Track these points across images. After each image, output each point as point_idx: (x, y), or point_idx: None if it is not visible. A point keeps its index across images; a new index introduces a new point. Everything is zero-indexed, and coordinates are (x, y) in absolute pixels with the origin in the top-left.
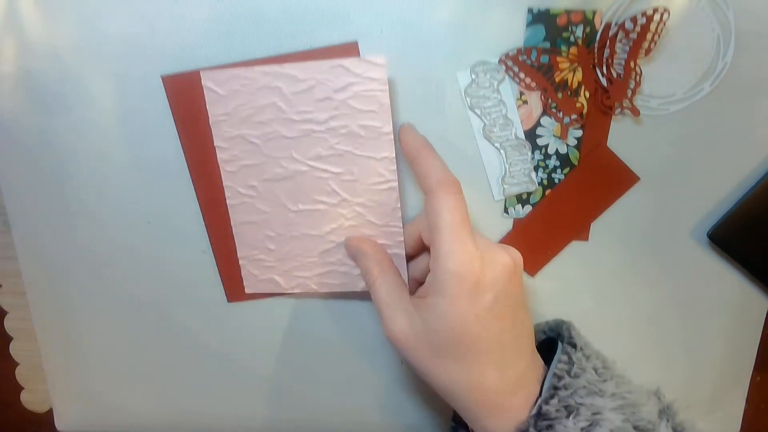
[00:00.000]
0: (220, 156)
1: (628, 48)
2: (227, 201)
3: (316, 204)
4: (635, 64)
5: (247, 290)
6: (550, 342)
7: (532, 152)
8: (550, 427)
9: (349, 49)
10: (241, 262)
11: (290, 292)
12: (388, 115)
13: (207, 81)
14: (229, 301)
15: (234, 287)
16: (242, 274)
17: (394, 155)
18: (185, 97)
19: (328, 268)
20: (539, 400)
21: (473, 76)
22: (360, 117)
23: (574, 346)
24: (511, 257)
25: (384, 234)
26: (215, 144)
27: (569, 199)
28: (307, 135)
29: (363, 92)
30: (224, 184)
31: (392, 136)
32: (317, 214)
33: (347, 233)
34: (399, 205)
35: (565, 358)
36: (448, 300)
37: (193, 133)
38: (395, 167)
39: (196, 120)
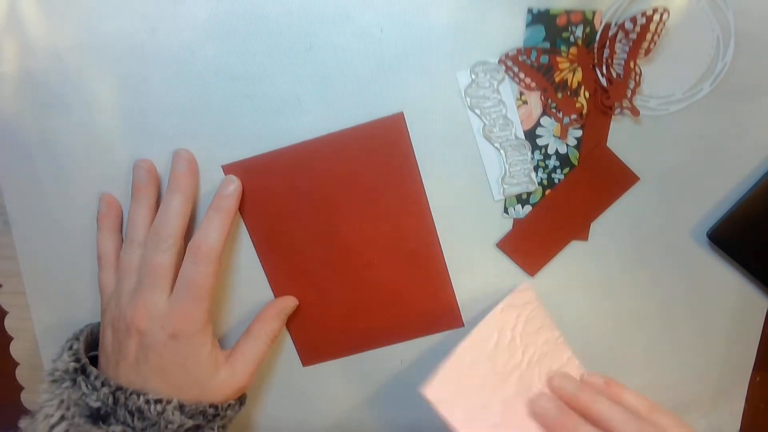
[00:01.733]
0: None
1: (627, 48)
2: None
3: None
4: (635, 64)
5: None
6: None
7: (532, 152)
8: None
9: (396, 120)
10: None
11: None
12: (552, 323)
13: (433, 395)
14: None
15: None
16: None
17: (572, 354)
18: (243, 179)
19: None
20: None
21: (473, 76)
22: (537, 337)
23: None
24: None
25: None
26: None
27: (569, 199)
28: (520, 380)
29: (528, 316)
30: None
31: (563, 339)
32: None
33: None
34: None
35: None
36: None
37: (256, 213)
38: (578, 362)
39: (258, 200)
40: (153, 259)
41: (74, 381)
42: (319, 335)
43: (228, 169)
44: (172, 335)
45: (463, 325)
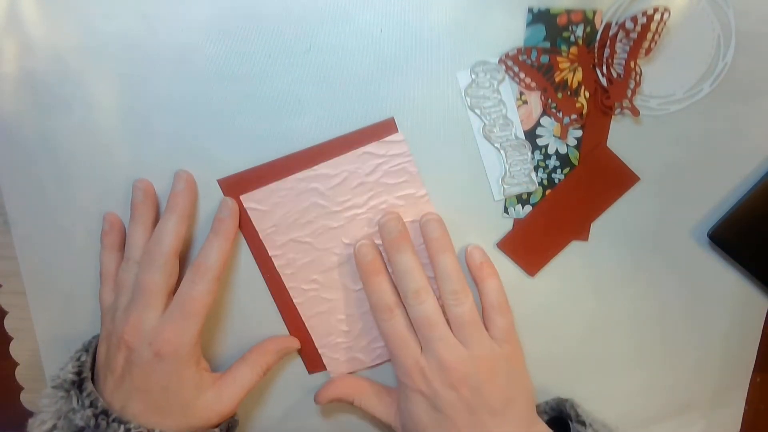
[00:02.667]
0: (277, 263)
1: (628, 48)
2: (294, 300)
3: None
4: (635, 64)
5: (333, 374)
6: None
7: (532, 152)
8: None
9: (387, 126)
10: (320, 351)
11: (373, 364)
12: (419, 180)
13: (248, 203)
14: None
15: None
16: (324, 362)
17: (435, 213)
18: (239, 193)
19: None
20: None
21: (473, 76)
22: (395, 190)
23: (583, 423)
24: None
25: None
26: (270, 254)
27: (569, 199)
28: (351, 220)
29: (391, 169)
30: (287, 286)
31: (428, 197)
32: None
33: None
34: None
35: None
36: None
37: (254, 232)
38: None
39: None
40: (145, 276)
41: (68, 393)
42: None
43: (224, 183)
44: (157, 353)
45: None
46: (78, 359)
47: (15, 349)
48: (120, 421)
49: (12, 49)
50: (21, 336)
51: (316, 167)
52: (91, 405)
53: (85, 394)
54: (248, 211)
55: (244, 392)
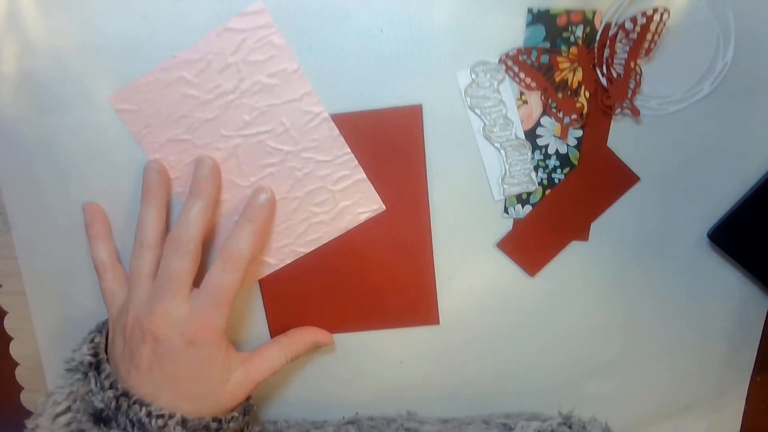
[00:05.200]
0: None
1: (628, 48)
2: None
3: (264, 169)
4: (635, 64)
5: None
6: None
7: (532, 152)
8: None
9: (414, 112)
10: None
11: (283, 264)
12: (290, 52)
13: (118, 104)
14: None
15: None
16: None
17: (311, 88)
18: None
19: (305, 226)
20: None
21: (473, 76)
22: (265, 67)
23: None
24: None
25: (338, 167)
26: (149, 158)
27: (569, 199)
28: (226, 109)
29: (256, 44)
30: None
31: (302, 71)
32: (270, 179)
33: (305, 183)
34: (338, 132)
35: None
36: None
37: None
38: (317, 99)
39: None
40: (172, 264)
41: (86, 375)
42: (292, 309)
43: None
44: (190, 341)
45: (438, 323)
46: (92, 341)
47: (15, 349)
48: (141, 403)
49: (12, 49)
50: (21, 336)
51: (177, 54)
52: (111, 386)
53: (104, 375)
54: (119, 113)
55: (270, 374)
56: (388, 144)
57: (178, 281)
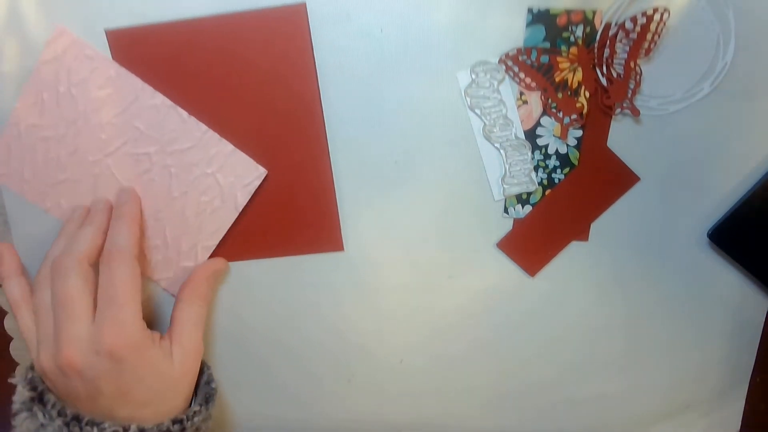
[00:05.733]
0: (58, 214)
1: (628, 48)
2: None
3: (141, 177)
4: (635, 64)
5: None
6: None
7: (532, 152)
8: None
9: (296, 12)
10: (156, 280)
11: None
12: (107, 58)
13: None
14: None
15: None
16: (164, 287)
17: (142, 83)
18: (130, 49)
19: (200, 219)
20: None
21: (473, 76)
22: (92, 81)
23: None
24: None
25: (204, 148)
26: (42, 209)
27: (569, 199)
28: (80, 135)
29: (73, 64)
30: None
31: (126, 70)
32: (151, 184)
33: (183, 177)
34: (187, 114)
35: None
36: None
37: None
38: (152, 90)
39: (141, 74)
40: (59, 290)
41: (31, 411)
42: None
43: (113, 35)
44: (111, 355)
45: (342, 249)
46: (25, 377)
47: (15, 349)
48: (93, 423)
49: (12, 48)
50: (21, 336)
51: (16, 104)
52: (59, 414)
53: (49, 406)
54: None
55: (199, 330)
56: (274, 49)
57: (71, 305)
